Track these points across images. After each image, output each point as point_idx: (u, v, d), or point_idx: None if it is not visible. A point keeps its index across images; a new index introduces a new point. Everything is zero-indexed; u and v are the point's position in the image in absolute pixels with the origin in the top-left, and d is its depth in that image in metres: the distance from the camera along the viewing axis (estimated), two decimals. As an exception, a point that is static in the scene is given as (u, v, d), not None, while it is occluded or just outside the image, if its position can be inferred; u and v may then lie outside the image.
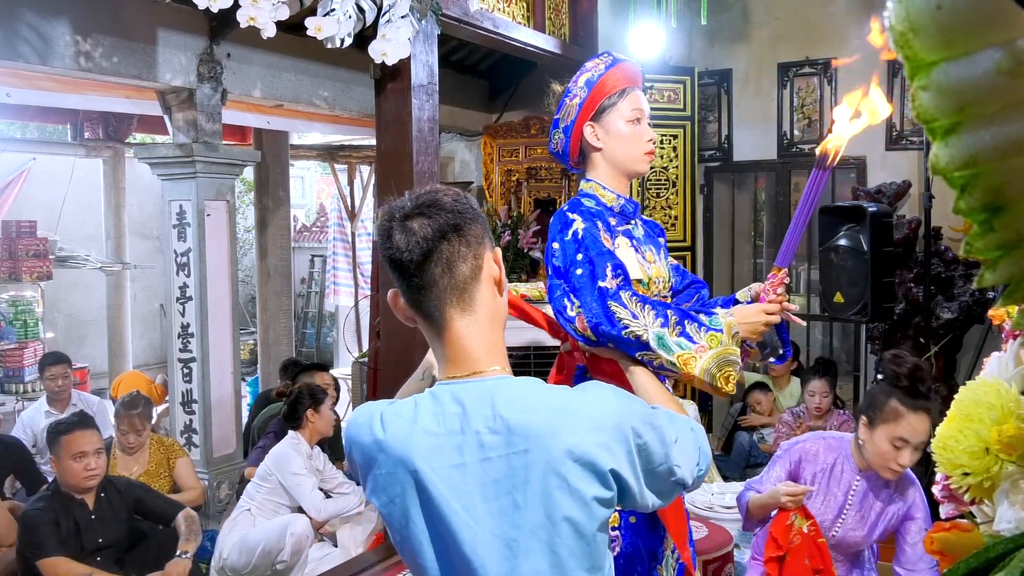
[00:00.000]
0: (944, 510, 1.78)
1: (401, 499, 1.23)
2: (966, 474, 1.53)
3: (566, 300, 1.91)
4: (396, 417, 1.26)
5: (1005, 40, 0.71)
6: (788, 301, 2.01)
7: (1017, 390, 1.53)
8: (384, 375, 4.31)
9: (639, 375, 1.87)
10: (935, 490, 1.80)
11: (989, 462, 1.48)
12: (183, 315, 4.60)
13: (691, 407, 4.53)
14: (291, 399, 4.28)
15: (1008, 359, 1.62)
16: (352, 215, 8.80)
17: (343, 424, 5.39)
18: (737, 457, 5.35)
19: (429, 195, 1.28)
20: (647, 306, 1.83)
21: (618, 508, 1.53)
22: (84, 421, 3.55)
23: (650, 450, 1.24)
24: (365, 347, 6.81)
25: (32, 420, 5.16)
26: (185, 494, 4.16)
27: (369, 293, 6.92)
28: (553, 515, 1.17)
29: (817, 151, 1.82)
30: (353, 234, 8.91)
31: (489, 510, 1.19)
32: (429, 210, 1.25)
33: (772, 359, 2.18)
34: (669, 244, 2.37)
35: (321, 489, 4.19)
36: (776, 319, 1.97)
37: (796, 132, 5.95)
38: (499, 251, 1.34)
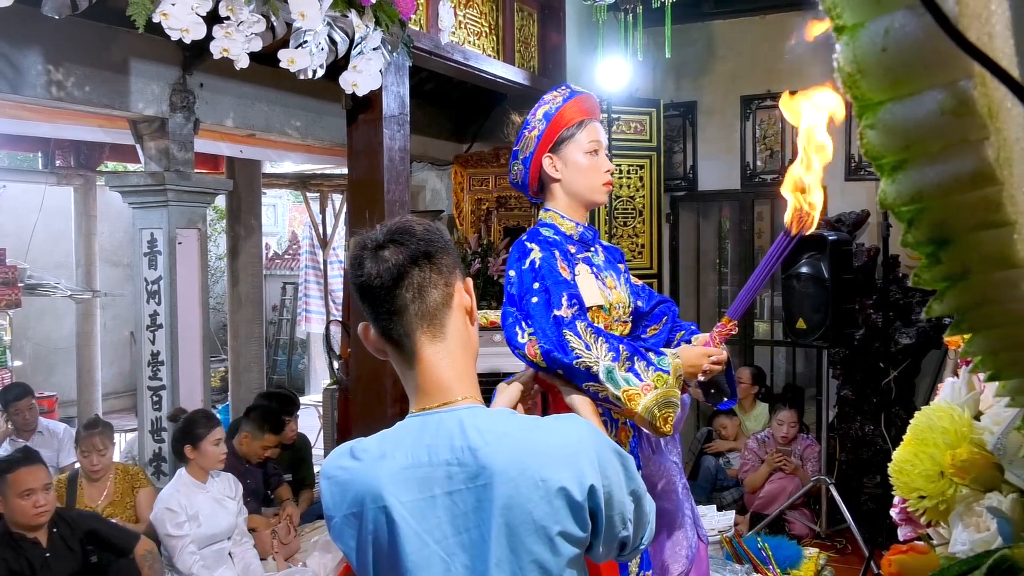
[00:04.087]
0: (902, 532, 1.82)
1: (372, 536, 1.22)
2: (922, 497, 1.56)
3: (518, 327, 1.95)
4: (365, 453, 1.25)
5: (947, 81, 0.75)
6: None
7: (970, 415, 1.57)
8: (354, 401, 4.33)
9: (578, 404, 1.92)
10: (893, 513, 1.84)
11: (944, 485, 1.51)
12: (153, 343, 4.59)
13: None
14: (176, 429, 4.03)
15: (961, 385, 1.66)
16: (324, 243, 8.81)
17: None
18: (703, 481, 5.42)
19: (400, 225, 1.28)
20: (601, 338, 1.88)
21: None
22: (29, 457, 3.41)
23: (612, 487, 1.22)
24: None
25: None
26: (143, 524, 4.06)
27: (337, 319, 6.95)
28: (517, 550, 1.16)
29: (786, 219, 1.85)
30: (325, 262, 8.92)
31: (460, 542, 1.18)
32: (401, 237, 1.26)
33: (718, 403, 2.25)
34: (636, 272, 2.42)
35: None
36: (719, 368, 2.04)
37: (759, 163, 6.10)
38: (470, 281, 1.34)
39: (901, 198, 0.82)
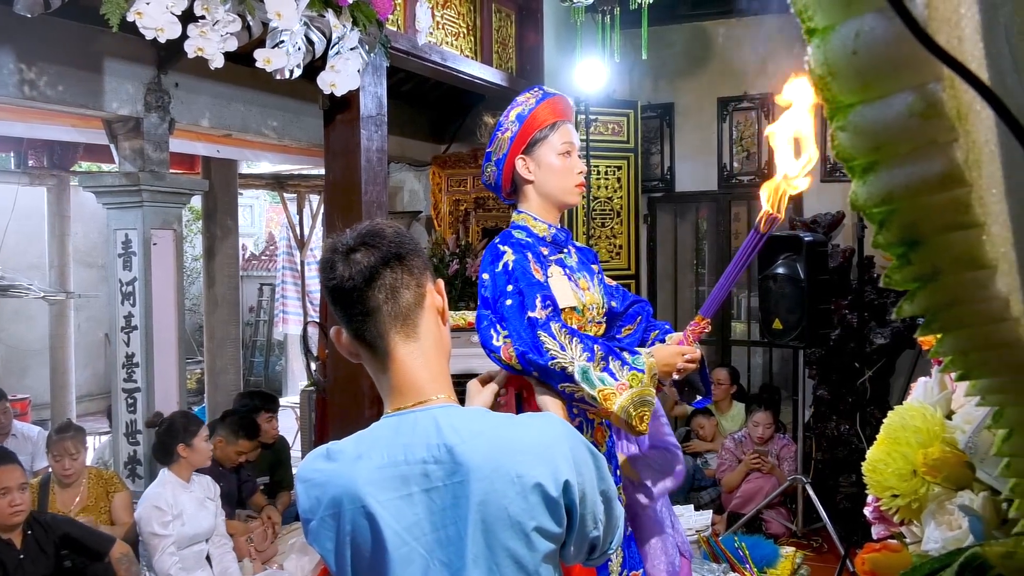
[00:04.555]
0: (875, 531, 1.83)
1: (351, 537, 1.22)
2: (895, 496, 1.57)
3: (492, 330, 1.96)
4: (341, 454, 1.26)
5: (917, 84, 0.76)
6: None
7: (942, 414, 1.57)
8: (332, 403, 4.31)
9: (549, 405, 1.93)
10: (866, 511, 1.86)
11: (916, 484, 1.52)
12: (128, 345, 4.55)
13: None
14: (161, 431, 3.99)
15: (933, 384, 1.67)
16: (301, 244, 8.77)
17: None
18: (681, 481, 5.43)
19: (370, 228, 1.29)
20: (575, 339, 1.89)
21: None
22: (4, 456, 3.40)
23: (586, 485, 1.23)
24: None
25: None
26: (118, 528, 4.02)
27: (315, 320, 6.91)
28: (493, 546, 1.17)
29: (757, 218, 1.88)
30: (302, 263, 8.88)
31: (438, 539, 1.19)
32: (372, 239, 1.27)
33: (693, 402, 2.26)
34: (613, 273, 2.43)
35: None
36: (692, 366, 2.06)
37: (735, 164, 6.14)
38: (441, 282, 1.35)
39: (872, 200, 0.83)
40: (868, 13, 0.73)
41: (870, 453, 1.67)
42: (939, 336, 0.97)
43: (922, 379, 1.76)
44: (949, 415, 1.58)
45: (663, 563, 2.38)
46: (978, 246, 0.81)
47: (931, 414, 1.59)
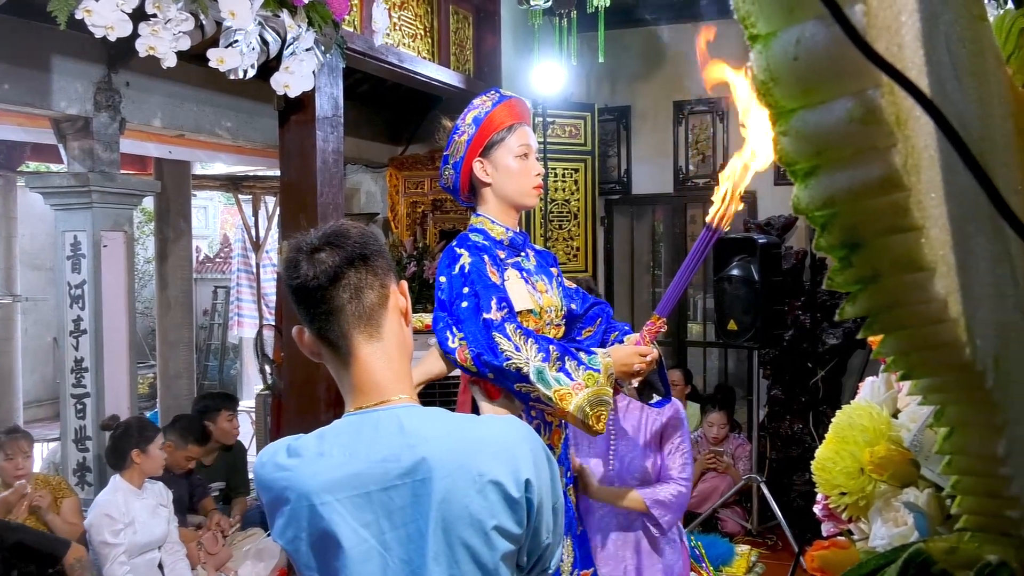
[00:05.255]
0: (825, 528, 1.87)
1: (309, 532, 1.23)
2: (843, 494, 1.58)
3: (448, 332, 1.96)
4: (303, 450, 1.26)
5: (856, 90, 0.77)
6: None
7: (888, 413, 1.59)
8: (288, 407, 4.26)
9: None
10: (816, 509, 1.89)
11: (863, 482, 1.54)
12: (77, 349, 4.46)
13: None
14: (116, 435, 3.90)
15: (880, 383, 1.69)
16: (256, 246, 8.66)
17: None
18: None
19: (335, 228, 1.31)
20: (530, 339, 1.90)
21: None
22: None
23: (543, 489, 1.24)
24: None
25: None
26: (72, 535, 3.94)
27: (270, 324, 6.84)
28: (452, 543, 1.18)
29: (708, 216, 1.90)
30: (258, 265, 8.76)
31: (397, 537, 1.20)
32: (337, 239, 1.28)
33: (653, 402, 2.28)
34: (571, 274, 2.44)
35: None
36: (650, 365, 2.07)
37: (691, 167, 6.20)
38: (405, 284, 1.36)
39: (814, 203, 0.84)
40: (809, 20, 0.74)
41: (819, 452, 1.69)
42: (882, 336, 0.99)
43: (870, 378, 1.79)
44: (895, 414, 1.61)
45: (630, 562, 2.40)
46: (916, 249, 0.83)
47: (878, 413, 1.61)
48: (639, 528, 2.54)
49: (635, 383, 2.11)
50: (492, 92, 2.18)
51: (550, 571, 1.34)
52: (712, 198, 1.90)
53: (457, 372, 2.16)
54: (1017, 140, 1.04)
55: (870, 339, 1.86)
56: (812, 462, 1.76)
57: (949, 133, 0.67)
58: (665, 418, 2.55)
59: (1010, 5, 1.65)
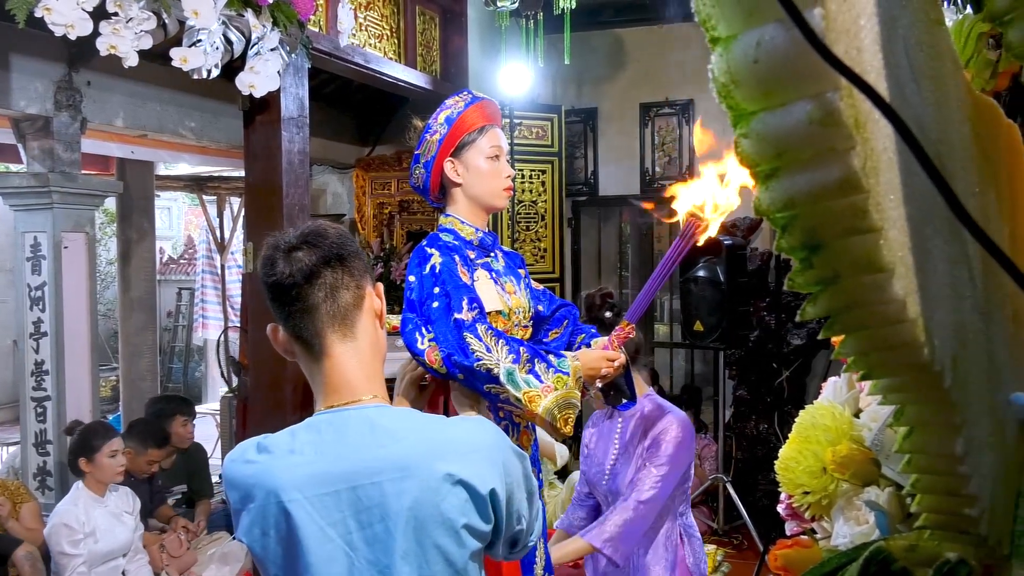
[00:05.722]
0: (788, 527, 1.88)
1: (276, 531, 1.23)
2: (806, 493, 1.59)
3: (417, 333, 1.95)
4: (271, 449, 1.27)
5: (815, 93, 0.78)
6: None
7: (850, 413, 1.61)
8: (253, 409, 4.22)
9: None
10: (780, 508, 1.91)
11: (826, 481, 1.55)
12: (37, 351, 4.39)
13: (564, 449, 4.59)
14: (71, 442, 3.87)
15: (842, 384, 1.70)
16: (221, 247, 8.57)
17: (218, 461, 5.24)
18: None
19: (313, 228, 1.32)
20: (501, 341, 1.89)
21: None
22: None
23: (513, 485, 1.27)
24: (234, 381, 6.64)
25: None
26: (33, 541, 3.89)
27: (235, 325, 6.77)
28: (423, 542, 1.19)
29: (682, 221, 1.86)
30: (222, 266, 8.67)
31: (364, 537, 1.20)
32: (314, 238, 1.29)
33: (619, 405, 2.29)
34: (538, 276, 2.44)
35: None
36: (618, 370, 2.08)
37: (657, 168, 6.24)
38: (381, 286, 1.38)
39: (775, 205, 0.85)
40: (769, 23, 0.75)
41: (782, 451, 1.70)
42: (843, 337, 1.00)
43: (832, 379, 1.81)
44: (857, 413, 1.63)
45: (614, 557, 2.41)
46: (875, 250, 0.84)
47: (840, 413, 1.63)
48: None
49: (599, 384, 2.12)
50: (464, 93, 2.18)
51: (531, 544, 1.37)
52: (674, 205, 1.86)
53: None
54: (975, 143, 1.06)
55: (833, 340, 1.89)
56: (776, 462, 1.77)
57: (906, 136, 0.68)
58: (670, 435, 2.55)
59: (968, 10, 1.68)
